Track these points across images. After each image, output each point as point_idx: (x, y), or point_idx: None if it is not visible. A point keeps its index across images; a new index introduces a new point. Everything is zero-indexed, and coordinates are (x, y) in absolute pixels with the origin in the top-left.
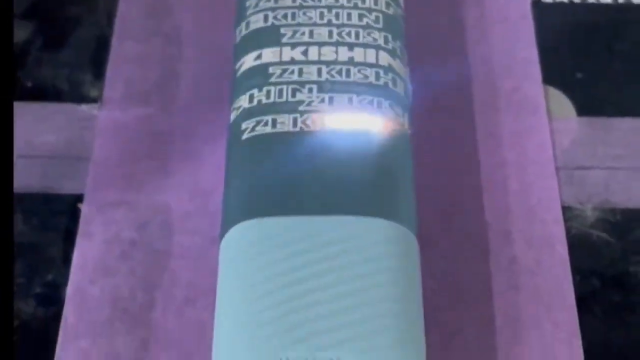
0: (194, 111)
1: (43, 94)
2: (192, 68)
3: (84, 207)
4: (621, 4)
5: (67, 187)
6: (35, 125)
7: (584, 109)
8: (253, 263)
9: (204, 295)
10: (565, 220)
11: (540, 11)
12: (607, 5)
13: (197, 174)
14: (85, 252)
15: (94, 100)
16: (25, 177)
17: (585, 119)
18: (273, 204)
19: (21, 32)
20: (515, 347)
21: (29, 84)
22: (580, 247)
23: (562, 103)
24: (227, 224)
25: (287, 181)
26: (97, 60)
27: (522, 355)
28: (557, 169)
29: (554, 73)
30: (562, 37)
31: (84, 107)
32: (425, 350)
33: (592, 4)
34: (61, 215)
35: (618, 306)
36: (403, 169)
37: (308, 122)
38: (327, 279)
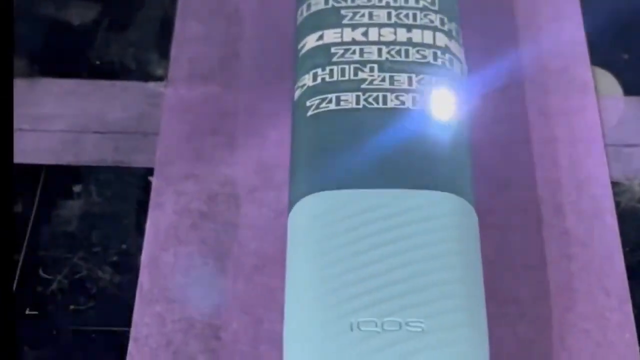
0: (257, 88)
1: (111, 72)
2: (254, 46)
3: (154, 180)
4: None
5: (138, 161)
6: (106, 102)
7: (630, 88)
8: (321, 233)
9: (271, 263)
10: (614, 195)
11: None
12: None
13: (261, 149)
14: (158, 223)
15: (160, 79)
16: (99, 152)
17: (631, 98)
18: (338, 178)
19: (89, 13)
20: (568, 314)
21: (98, 63)
22: (628, 220)
23: (609, 83)
24: (295, 196)
25: (351, 156)
26: (161, 39)
27: (575, 322)
28: (605, 145)
29: (601, 53)
30: (608, 18)
31: (151, 85)
32: (486, 315)
33: None
34: (133, 187)
35: None
36: (461, 145)
37: (370, 99)
38: (392, 248)
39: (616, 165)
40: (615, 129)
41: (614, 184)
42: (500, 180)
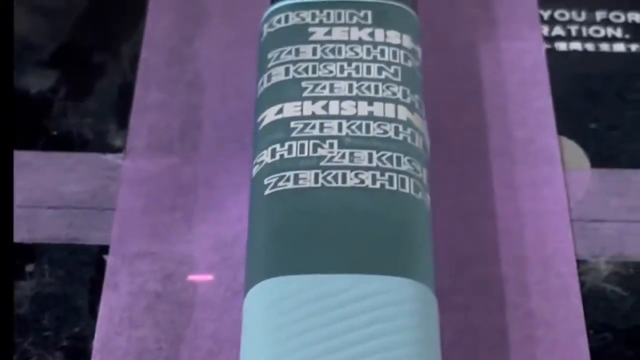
0: (217, 160)
1: (68, 143)
2: (215, 115)
3: (109, 259)
4: (634, 53)
5: (93, 238)
6: (62, 175)
7: (597, 160)
8: (275, 322)
9: (227, 347)
10: (579, 273)
11: (554, 59)
12: (620, 53)
13: (219, 225)
14: (111, 305)
15: (118, 150)
16: (53, 228)
17: (598, 171)
18: (294, 262)
19: (46, 81)
20: None
21: (54, 133)
22: (593, 301)
23: (576, 154)
24: (250, 281)
25: (309, 239)
26: (121, 108)
27: None
28: (572, 220)
29: (568, 123)
30: (575, 86)
31: (109, 157)
32: None
33: (606, 52)
34: (87, 266)
35: None
36: (422, 226)
37: (329, 178)
38: (349, 338)
39: (582, 242)
40: (581, 203)
41: (580, 262)
42: (463, 257)
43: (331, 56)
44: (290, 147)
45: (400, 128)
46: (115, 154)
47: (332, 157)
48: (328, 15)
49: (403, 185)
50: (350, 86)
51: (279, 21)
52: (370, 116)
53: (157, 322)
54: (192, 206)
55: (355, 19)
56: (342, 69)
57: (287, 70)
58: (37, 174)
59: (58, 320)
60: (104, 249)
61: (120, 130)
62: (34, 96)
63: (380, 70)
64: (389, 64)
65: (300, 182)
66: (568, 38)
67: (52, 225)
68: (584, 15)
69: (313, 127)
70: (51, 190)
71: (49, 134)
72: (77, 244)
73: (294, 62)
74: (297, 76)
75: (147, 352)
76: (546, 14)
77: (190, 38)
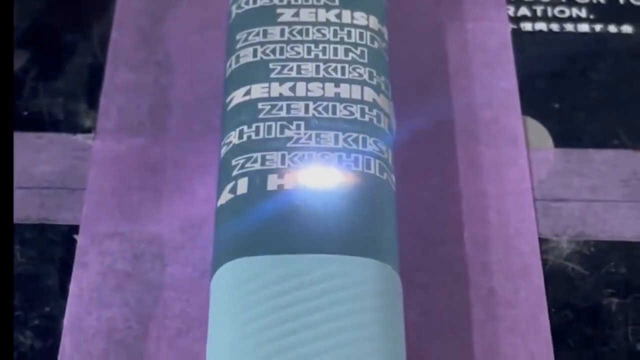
0: (186, 141)
1: (39, 123)
2: (184, 97)
3: (79, 238)
4: (598, 33)
5: (64, 218)
6: (33, 156)
7: (560, 140)
8: (241, 303)
9: (195, 326)
10: (542, 252)
11: (519, 40)
12: (584, 34)
13: (188, 206)
14: (81, 284)
15: (88, 130)
16: (24, 208)
17: (562, 150)
18: (260, 243)
19: (17, 61)
20: None
21: (25, 113)
22: (555, 279)
23: (540, 134)
24: (217, 262)
25: (275, 219)
26: (91, 88)
27: None
28: (535, 200)
29: (532, 103)
30: (540, 66)
31: (79, 137)
32: None
33: (571, 32)
34: (58, 246)
35: (590, 338)
36: (386, 207)
37: (296, 159)
38: (314, 318)
39: (544, 221)
40: (545, 182)
41: (542, 241)
42: (427, 237)
43: (299, 38)
44: (257, 128)
45: (367, 109)
46: (85, 135)
47: (299, 139)
48: None
49: (368, 167)
50: (317, 68)
51: (247, 2)
52: (337, 97)
53: (126, 301)
54: (161, 187)
55: (322, 0)
56: (309, 51)
57: (255, 52)
58: None
59: (28, 299)
60: (74, 229)
61: (90, 111)
62: None
63: (347, 51)
64: (355, 45)
65: (267, 163)
66: (534, 18)
67: (23, 205)
68: None
69: (280, 108)
70: (22, 171)
71: (20, 114)
72: (48, 224)
73: (262, 44)
74: (265, 58)
75: (117, 331)
76: None
77: (160, 19)
